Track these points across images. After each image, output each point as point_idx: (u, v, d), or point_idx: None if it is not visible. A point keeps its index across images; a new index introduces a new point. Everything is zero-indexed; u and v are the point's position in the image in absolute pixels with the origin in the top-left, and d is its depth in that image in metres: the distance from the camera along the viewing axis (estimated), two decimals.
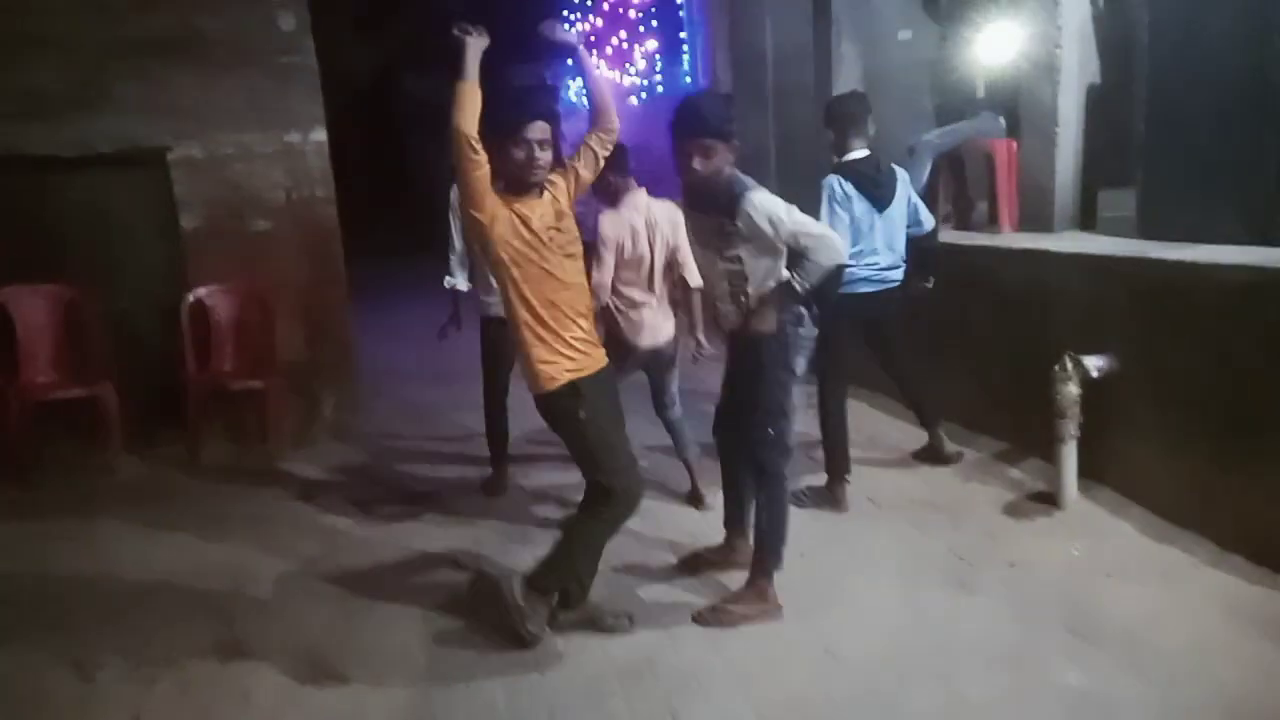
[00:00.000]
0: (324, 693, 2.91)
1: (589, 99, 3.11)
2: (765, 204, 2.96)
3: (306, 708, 2.84)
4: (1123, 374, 3.77)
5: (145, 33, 5.08)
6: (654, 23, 10.16)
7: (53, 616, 3.47)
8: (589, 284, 3.19)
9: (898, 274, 4.15)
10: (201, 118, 5.26)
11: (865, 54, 6.64)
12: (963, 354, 4.71)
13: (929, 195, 5.41)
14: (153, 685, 2.98)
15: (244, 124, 5.36)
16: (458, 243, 4.31)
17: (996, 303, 4.53)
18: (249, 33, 5.32)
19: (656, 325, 4.02)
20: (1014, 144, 5.01)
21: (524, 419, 4.55)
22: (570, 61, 3.36)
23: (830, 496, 4.09)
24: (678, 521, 4.03)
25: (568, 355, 2.91)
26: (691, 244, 3.42)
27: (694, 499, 4.20)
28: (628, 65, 10.61)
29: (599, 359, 3.03)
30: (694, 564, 3.56)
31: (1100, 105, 4.69)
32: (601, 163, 3.10)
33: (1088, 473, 3.89)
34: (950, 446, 4.48)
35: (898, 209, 4.09)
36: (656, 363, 4.11)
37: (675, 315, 4.15)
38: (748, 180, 3.04)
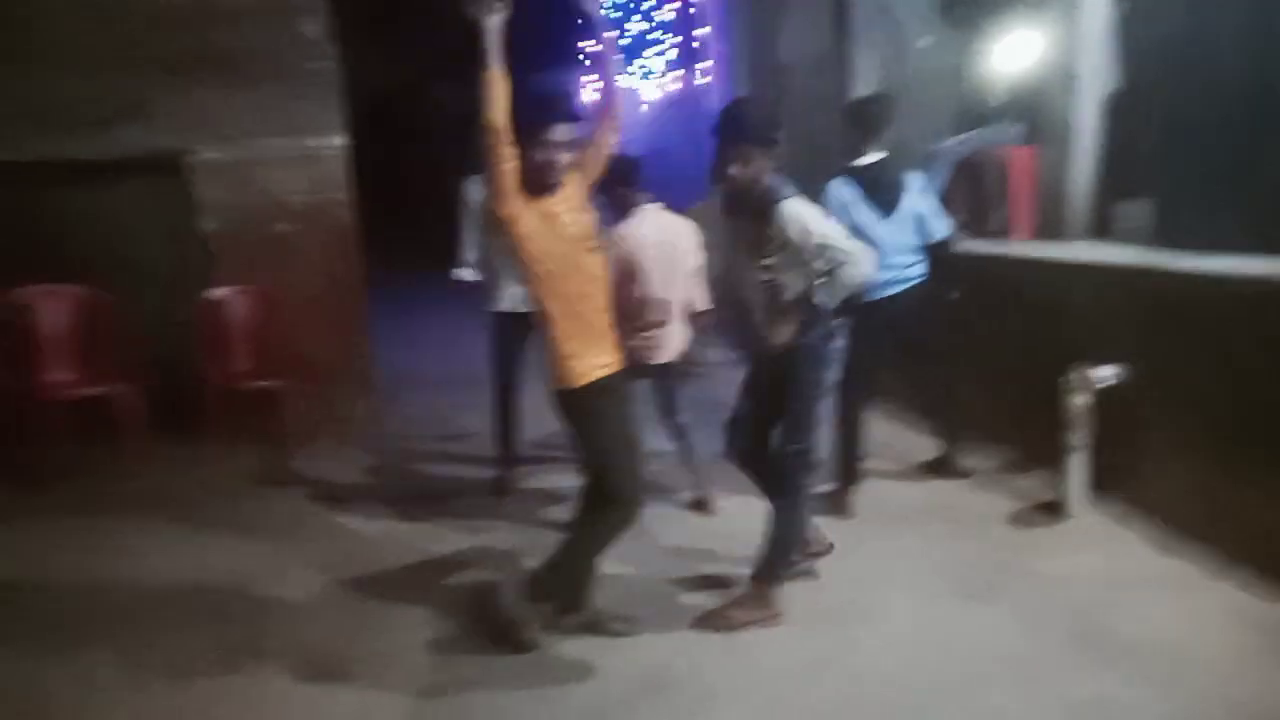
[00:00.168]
0: (327, 698, 2.92)
1: (603, 90, 3.13)
2: (799, 213, 2.97)
3: (310, 713, 2.86)
4: (1133, 385, 3.73)
5: (171, 42, 5.18)
6: (673, 31, 10.21)
7: (55, 618, 3.51)
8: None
9: (914, 271, 4.12)
10: (223, 123, 5.36)
11: (885, 62, 6.62)
12: (973, 361, 4.68)
13: (946, 202, 5.40)
14: (154, 688, 3.00)
15: (265, 129, 5.45)
16: (469, 237, 4.35)
17: (1009, 311, 4.51)
18: (271, 39, 5.41)
19: (667, 343, 4.03)
20: (1031, 152, 4.97)
21: (535, 426, 4.61)
22: (593, 46, 3.35)
23: (838, 503, 4.08)
24: (683, 528, 4.04)
25: (595, 352, 2.94)
26: (729, 250, 3.39)
27: (699, 505, 4.20)
28: (647, 71, 10.66)
29: (618, 361, 3.05)
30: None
31: (1118, 115, 4.65)
32: (605, 154, 3.09)
33: (1096, 484, 3.86)
34: (965, 464, 4.45)
35: (907, 214, 4.07)
36: (664, 377, 4.13)
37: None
38: (787, 188, 3.05)
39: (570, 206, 2.94)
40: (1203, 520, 3.47)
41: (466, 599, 3.47)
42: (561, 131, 2.86)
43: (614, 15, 11.16)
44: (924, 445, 4.69)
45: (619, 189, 3.82)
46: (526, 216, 2.83)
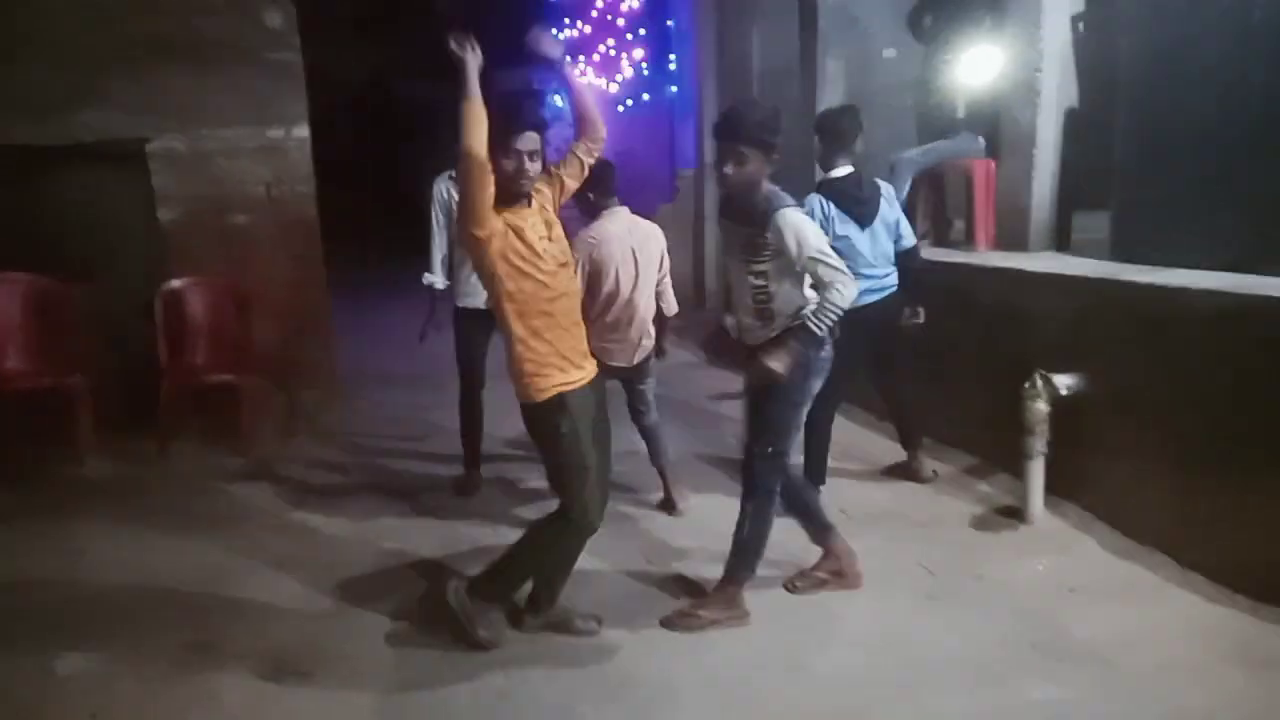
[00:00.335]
0: (291, 695, 2.88)
1: (574, 111, 3.09)
2: (796, 223, 2.98)
3: (273, 710, 2.82)
4: (1092, 393, 3.82)
5: (132, 29, 5.07)
6: (641, 31, 10.23)
7: (14, 612, 3.42)
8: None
9: (889, 280, 4.19)
10: (184, 112, 5.26)
11: (850, 71, 6.71)
12: (935, 368, 4.76)
13: (908, 212, 5.48)
14: (116, 683, 2.95)
15: (227, 119, 5.36)
16: (439, 239, 4.31)
17: (970, 319, 4.59)
18: (235, 29, 5.32)
19: (633, 348, 4.04)
20: (993, 164, 5.08)
21: (503, 423, 4.58)
22: (555, 73, 3.28)
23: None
24: (651, 528, 4.05)
25: (559, 367, 2.89)
26: (722, 254, 3.40)
27: (667, 505, 4.21)
28: (615, 74, 10.67)
29: (590, 370, 3.00)
30: (805, 584, 3.45)
31: (1078, 129, 4.77)
32: (587, 171, 3.09)
33: (1055, 489, 3.95)
34: (927, 468, 4.52)
35: (882, 223, 4.13)
36: (633, 377, 4.13)
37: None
38: (786, 197, 3.07)
39: (540, 220, 2.90)
40: (1159, 528, 3.56)
41: (426, 598, 3.44)
42: (530, 140, 2.82)
43: (575, 30, 11.16)
44: (887, 449, 4.76)
45: (591, 195, 3.82)
46: (495, 236, 2.78)
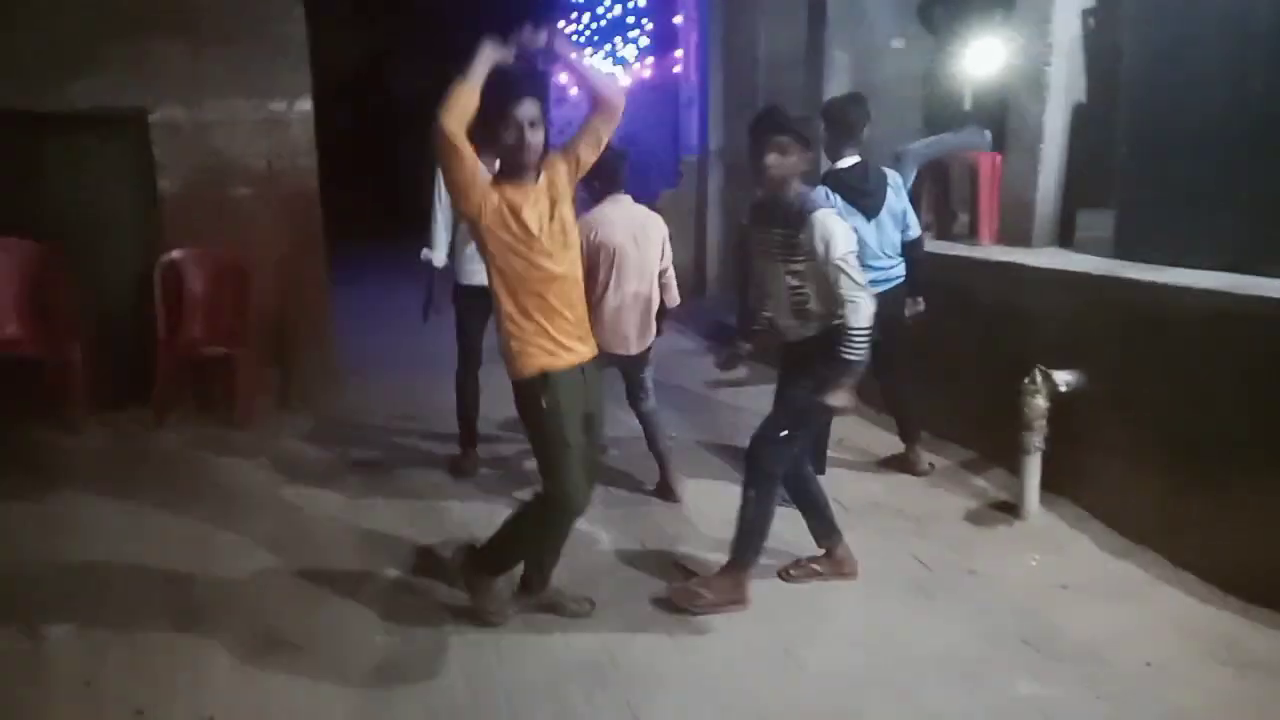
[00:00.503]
0: (278, 667, 2.89)
1: (585, 92, 2.97)
2: (828, 225, 2.99)
3: (260, 682, 2.82)
4: (1091, 390, 3.82)
5: None
6: (646, 18, 10.16)
7: (6, 581, 3.42)
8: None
9: (899, 270, 4.18)
10: (186, 82, 5.21)
11: (857, 61, 6.66)
12: (934, 361, 4.75)
13: (912, 203, 5.46)
14: (105, 652, 2.95)
15: (228, 90, 5.31)
16: (440, 215, 4.29)
17: (971, 313, 4.58)
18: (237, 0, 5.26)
19: (632, 336, 4.02)
20: (998, 158, 5.05)
21: (501, 404, 4.56)
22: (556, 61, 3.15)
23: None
24: (647, 514, 4.04)
25: (547, 348, 2.84)
26: (755, 258, 3.39)
27: (663, 492, 4.21)
28: (619, 59, 10.60)
29: (583, 353, 2.93)
30: (799, 573, 3.45)
31: (1085, 124, 4.75)
32: (603, 145, 2.97)
33: (1050, 486, 3.94)
34: (924, 462, 4.51)
35: (889, 214, 4.12)
36: (631, 364, 4.12)
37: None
38: (820, 198, 3.09)
39: (544, 199, 2.83)
40: (1150, 526, 3.56)
41: (419, 571, 3.44)
42: (528, 107, 2.75)
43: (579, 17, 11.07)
44: (883, 440, 4.76)
45: (597, 183, 3.80)
46: (486, 212, 2.75)
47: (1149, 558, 3.51)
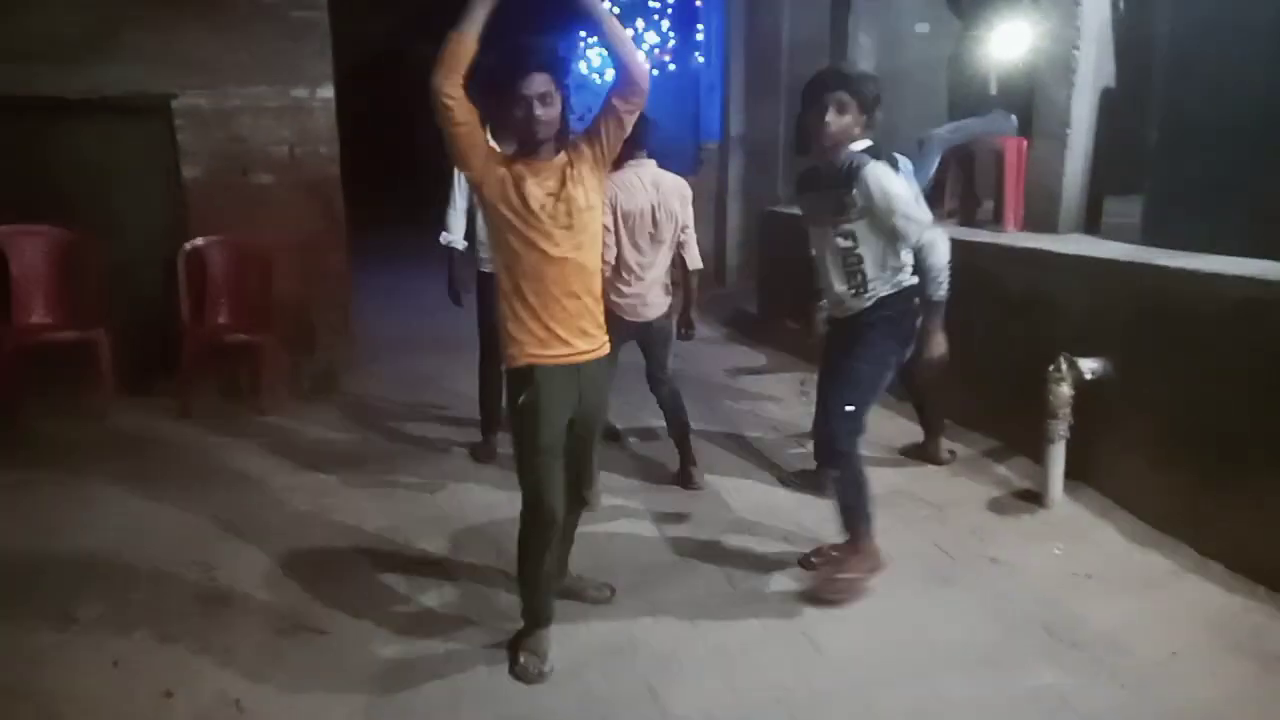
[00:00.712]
0: (305, 649, 2.92)
1: (613, 60, 2.71)
2: (884, 177, 2.99)
3: (287, 663, 2.85)
4: (1117, 378, 3.78)
5: None
6: (667, 3, 10.11)
7: (34, 562, 3.47)
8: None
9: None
10: (209, 69, 5.24)
11: (881, 46, 6.61)
12: (957, 348, 4.69)
13: (936, 189, 5.41)
14: (132, 633, 2.99)
15: (252, 77, 5.33)
16: (459, 199, 4.29)
17: (996, 300, 4.53)
18: None
19: (647, 301, 3.98)
20: (1024, 143, 4.99)
21: None
22: (588, 18, 2.98)
23: (818, 482, 4.10)
24: (667, 502, 4.04)
25: (538, 338, 2.65)
26: (804, 224, 3.37)
27: (683, 479, 4.21)
28: (640, 44, 10.56)
29: (582, 349, 2.71)
30: (821, 561, 3.40)
31: (1113, 110, 4.68)
32: (628, 128, 2.74)
33: (1075, 474, 3.91)
34: (944, 450, 4.47)
35: None
36: (649, 337, 4.08)
37: (674, 294, 4.15)
38: (869, 156, 3.06)
39: (555, 177, 2.65)
40: (1177, 516, 3.52)
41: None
42: (538, 82, 2.58)
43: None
44: (904, 429, 4.73)
45: (624, 145, 3.76)
46: (488, 182, 2.63)
47: (1175, 547, 3.47)
